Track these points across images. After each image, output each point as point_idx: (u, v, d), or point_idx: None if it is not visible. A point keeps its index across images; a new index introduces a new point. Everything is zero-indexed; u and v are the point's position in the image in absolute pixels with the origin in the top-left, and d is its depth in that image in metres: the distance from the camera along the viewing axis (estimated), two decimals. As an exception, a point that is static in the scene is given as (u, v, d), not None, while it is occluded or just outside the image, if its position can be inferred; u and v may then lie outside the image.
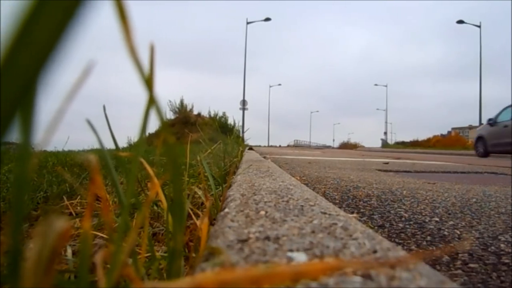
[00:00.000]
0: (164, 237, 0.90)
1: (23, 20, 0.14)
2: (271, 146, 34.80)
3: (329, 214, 0.64)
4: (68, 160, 2.77)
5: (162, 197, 0.52)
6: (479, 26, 22.23)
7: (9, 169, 1.87)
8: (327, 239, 0.48)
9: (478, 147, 10.69)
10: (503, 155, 9.67)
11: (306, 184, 2.18)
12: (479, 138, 10.59)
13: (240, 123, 19.65)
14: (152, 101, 0.30)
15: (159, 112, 0.30)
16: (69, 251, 0.61)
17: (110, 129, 0.47)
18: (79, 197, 1.28)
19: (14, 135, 0.17)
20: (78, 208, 1.18)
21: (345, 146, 47.98)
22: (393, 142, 61.44)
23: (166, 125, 0.31)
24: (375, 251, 0.44)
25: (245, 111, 22.79)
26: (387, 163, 5.03)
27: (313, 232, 0.51)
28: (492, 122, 9.99)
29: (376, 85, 48.29)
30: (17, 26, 0.14)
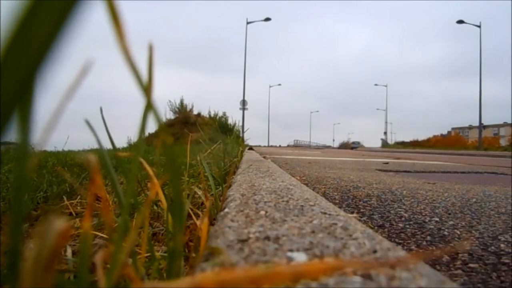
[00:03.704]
0: (164, 237, 0.90)
1: (19, 19, 0.14)
2: (271, 146, 34.81)
3: (329, 214, 0.64)
4: (68, 160, 2.77)
5: (162, 197, 0.52)
6: (479, 26, 22.24)
7: (9, 169, 1.87)
8: (327, 239, 0.48)
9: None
10: (503, 155, 10.83)
11: (306, 184, 2.18)
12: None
13: (240, 123, 19.68)
14: (149, 106, 0.30)
15: (156, 116, 0.30)
16: (69, 251, 0.61)
17: (107, 130, 0.47)
18: (79, 197, 1.28)
19: (13, 135, 0.17)
20: (78, 208, 1.18)
21: (345, 146, 48.21)
22: (393, 142, 61.58)
23: (164, 128, 0.31)
24: (375, 251, 0.44)
25: (245, 111, 22.80)
26: (387, 163, 5.03)
27: (313, 232, 0.51)
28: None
29: (376, 85, 48.36)
30: (14, 25, 0.14)
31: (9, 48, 0.14)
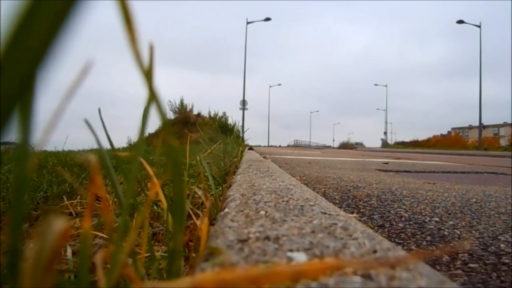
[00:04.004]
0: (164, 237, 0.90)
1: (19, 19, 0.14)
2: (271, 146, 34.81)
3: (329, 214, 0.64)
4: (68, 160, 2.77)
5: (162, 197, 0.52)
6: (479, 26, 22.25)
7: (9, 169, 1.87)
8: (327, 239, 0.48)
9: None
10: (503, 155, 11.11)
11: (306, 184, 2.18)
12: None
13: (240, 123, 19.69)
14: (152, 97, 0.30)
15: (160, 108, 0.30)
16: (69, 251, 0.61)
17: (105, 131, 0.47)
18: (79, 197, 1.28)
19: (13, 135, 0.17)
20: (78, 208, 1.18)
21: (345, 146, 48.32)
22: (393, 142, 61.61)
23: (168, 123, 0.30)
24: (375, 251, 0.44)
25: (245, 111, 22.80)
26: (387, 163, 5.03)
27: (313, 232, 0.51)
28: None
29: (376, 85, 48.38)
30: (14, 25, 0.14)
31: (9, 48, 0.14)
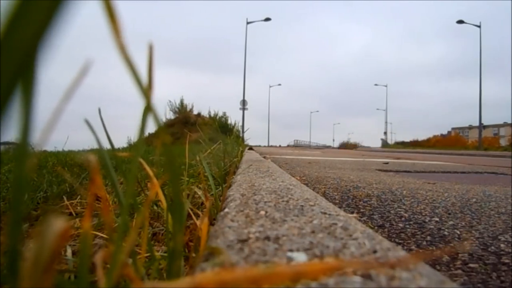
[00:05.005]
0: (164, 237, 0.90)
1: (12, 14, 0.14)
2: (271, 146, 34.80)
3: (329, 214, 0.64)
4: (68, 160, 2.77)
5: (161, 197, 0.52)
6: (479, 26, 22.25)
7: (9, 169, 1.87)
8: (327, 239, 0.48)
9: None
10: (503, 155, 11.19)
11: (306, 184, 2.18)
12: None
13: (240, 123, 19.70)
14: (149, 107, 0.30)
15: (155, 116, 0.30)
16: (69, 251, 0.61)
17: (106, 131, 0.47)
18: (79, 197, 1.28)
19: (13, 135, 0.17)
20: (78, 208, 1.18)
21: (346, 146, 48.29)
22: (393, 142, 61.53)
23: (163, 128, 0.31)
24: (375, 251, 0.44)
25: (245, 111, 22.80)
26: (387, 163, 5.03)
27: (313, 232, 0.51)
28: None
29: (376, 85, 48.37)
30: (7, 19, 0.14)
31: (5, 38, 0.14)
